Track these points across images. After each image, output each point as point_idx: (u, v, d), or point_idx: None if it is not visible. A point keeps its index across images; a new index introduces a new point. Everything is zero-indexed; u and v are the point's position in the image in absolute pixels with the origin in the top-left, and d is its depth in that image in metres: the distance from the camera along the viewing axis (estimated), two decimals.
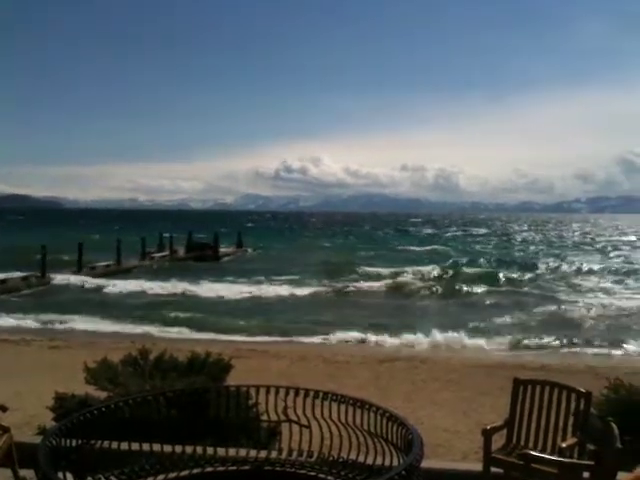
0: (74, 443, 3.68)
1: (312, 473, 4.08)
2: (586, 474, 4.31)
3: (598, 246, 69.53)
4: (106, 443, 3.92)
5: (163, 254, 46.23)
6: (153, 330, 20.13)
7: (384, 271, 37.67)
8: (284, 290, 30.29)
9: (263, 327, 20.87)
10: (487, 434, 5.03)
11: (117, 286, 30.79)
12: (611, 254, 57.44)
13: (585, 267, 42.05)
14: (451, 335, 18.60)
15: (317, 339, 19.11)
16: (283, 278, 34.68)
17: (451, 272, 37.44)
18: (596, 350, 17.73)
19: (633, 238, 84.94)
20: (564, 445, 4.79)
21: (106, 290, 30.20)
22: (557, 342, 18.48)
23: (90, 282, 31.92)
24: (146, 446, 4.14)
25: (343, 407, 4.17)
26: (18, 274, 30.95)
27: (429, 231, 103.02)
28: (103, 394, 6.53)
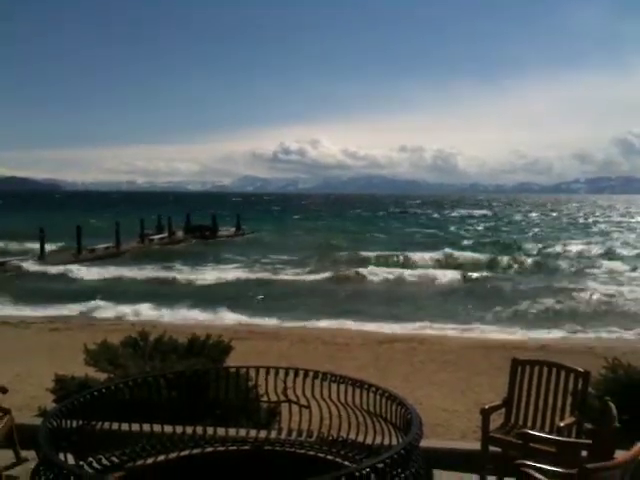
0: (74, 424, 3.70)
1: (312, 453, 4.11)
2: (584, 453, 4.33)
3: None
4: (107, 424, 3.94)
5: (162, 236, 46.16)
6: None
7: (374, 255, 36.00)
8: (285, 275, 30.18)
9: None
10: (485, 413, 5.05)
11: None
12: None
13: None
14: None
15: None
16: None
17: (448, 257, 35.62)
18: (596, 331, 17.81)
19: None
20: (562, 424, 4.81)
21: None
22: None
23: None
24: (146, 427, 4.17)
25: (342, 387, 4.18)
26: None
27: (435, 215, 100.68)
28: (103, 376, 6.55)
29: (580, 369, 5.10)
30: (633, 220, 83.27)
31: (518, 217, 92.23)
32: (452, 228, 66.58)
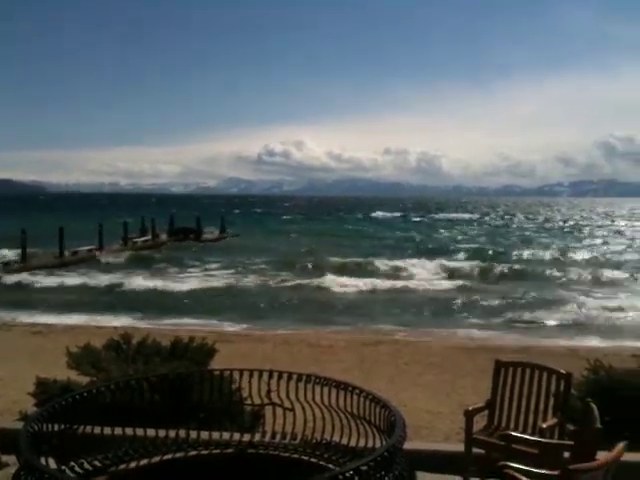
0: (56, 428, 3.66)
1: (295, 455, 4.10)
2: (566, 454, 4.37)
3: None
4: (89, 428, 3.90)
5: (145, 239, 45.92)
6: None
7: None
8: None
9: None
10: (469, 415, 5.08)
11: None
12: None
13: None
14: None
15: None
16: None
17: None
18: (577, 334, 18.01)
19: None
20: (545, 426, 4.85)
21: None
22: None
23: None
24: (129, 430, 4.14)
25: (326, 390, 4.18)
26: None
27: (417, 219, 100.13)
28: (86, 379, 6.50)
29: (562, 371, 5.14)
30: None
31: (500, 222, 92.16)
32: (441, 233, 66.00)
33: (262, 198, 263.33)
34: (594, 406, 4.14)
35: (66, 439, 3.74)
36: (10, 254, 34.57)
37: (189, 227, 51.06)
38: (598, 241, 55.49)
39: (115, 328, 13.66)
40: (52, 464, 3.34)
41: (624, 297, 24.09)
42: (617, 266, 34.68)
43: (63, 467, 3.57)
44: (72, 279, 28.68)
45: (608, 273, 30.91)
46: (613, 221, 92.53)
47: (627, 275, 30.62)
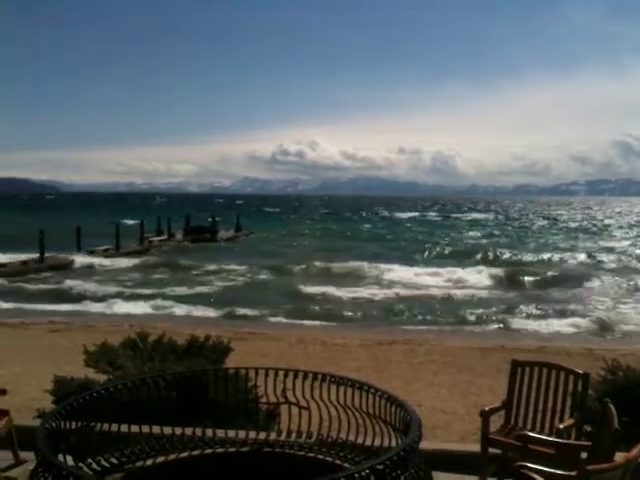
0: (74, 426, 3.70)
1: (311, 454, 4.10)
2: (584, 455, 4.33)
3: None
4: (106, 426, 3.93)
5: (161, 238, 46.18)
6: None
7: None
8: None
9: None
10: (485, 415, 5.05)
11: None
12: None
13: None
14: None
15: None
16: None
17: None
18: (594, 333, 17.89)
19: None
20: (561, 426, 4.81)
21: None
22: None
23: None
24: (146, 428, 4.16)
25: (342, 389, 4.18)
26: None
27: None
28: (103, 377, 6.54)
29: (579, 371, 5.10)
30: None
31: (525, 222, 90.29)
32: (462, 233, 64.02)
33: (277, 197, 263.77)
34: (612, 406, 4.11)
35: (83, 436, 3.78)
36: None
37: (205, 226, 51.25)
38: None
39: (131, 326, 13.74)
40: (70, 461, 3.37)
41: None
42: None
43: (80, 464, 3.60)
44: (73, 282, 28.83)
45: None
46: None
47: None
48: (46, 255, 31.83)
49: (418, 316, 20.55)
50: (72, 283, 25.97)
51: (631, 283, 27.08)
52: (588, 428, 5.34)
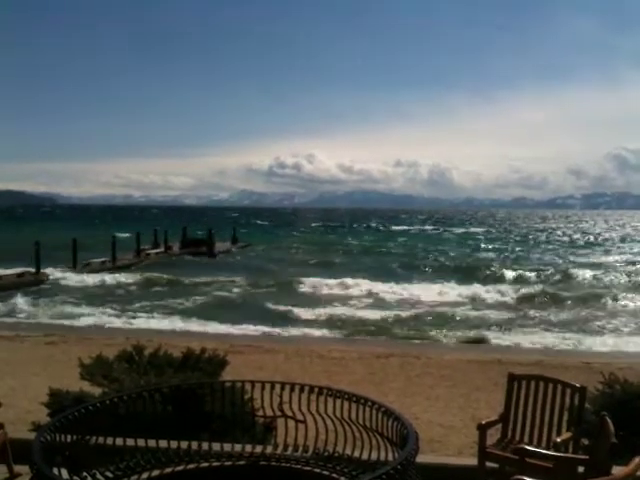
0: (69, 439, 3.68)
1: (307, 468, 4.08)
2: (581, 469, 4.32)
3: None
4: (101, 439, 3.91)
5: (158, 250, 46.15)
6: None
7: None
8: None
9: None
10: (482, 429, 5.04)
11: None
12: None
13: None
14: None
15: None
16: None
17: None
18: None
19: None
20: (559, 440, 4.81)
21: None
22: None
23: None
24: (141, 442, 4.14)
25: (338, 402, 4.17)
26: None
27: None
28: (98, 390, 6.52)
29: (576, 384, 5.10)
30: None
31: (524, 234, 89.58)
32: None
33: (274, 210, 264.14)
34: (609, 420, 4.10)
35: (79, 450, 3.75)
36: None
37: (201, 239, 51.24)
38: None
39: (127, 339, 13.71)
40: (65, 475, 3.34)
41: None
42: None
43: (75, 478, 3.57)
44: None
45: None
46: None
47: None
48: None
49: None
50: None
51: None
52: (585, 442, 5.34)
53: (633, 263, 44.13)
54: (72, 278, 32.26)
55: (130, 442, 4.12)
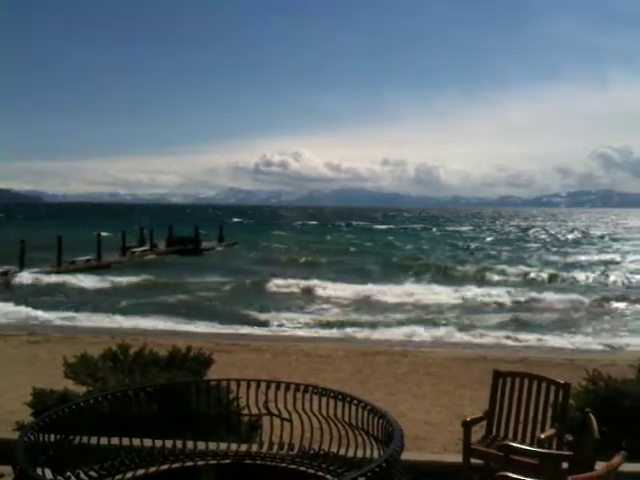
0: (52, 438, 3.65)
1: (293, 466, 4.08)
2: (565, 464, 4.35)
3: None
4: (85, 438, 3.89)
5: (144, 249, 45.96)
6: None
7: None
8: None
9: None
10: (467, 426, 5.06)
11: None
12: None
13: None
14: None
15: None
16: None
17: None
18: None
19: None
20: (543, 436, 4.83)
21: None
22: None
23: None
24: (126, 441, 4.12)
25: (324, 400, 4.17)
26: None
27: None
28: (83, 389, 6.48)
29: (560, 381, 5.13)
30: None
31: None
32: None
33: (259, 208, 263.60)
34: (592, 416, 4.14)
35: (62, 449, 3.72)
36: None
37: (187, 237, 51.08)
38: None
39: (112, 337, 13.63)
40: (48, 474, 3.32)
41: None
42: None
43: (59, 477, 3.55)
44: None
45: None
46: None
47: None
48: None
49: None
50: None
51: None
52: (569, 438, 5.38)
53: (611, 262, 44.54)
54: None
55: (115, 441, 4.10)
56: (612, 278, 34.72)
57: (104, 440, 4.05)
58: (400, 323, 21.36)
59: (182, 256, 45.67)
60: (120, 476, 3.93)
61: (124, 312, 22.60)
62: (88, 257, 37.66)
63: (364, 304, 25.72)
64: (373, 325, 21.00)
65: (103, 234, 40.71)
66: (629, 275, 35.68)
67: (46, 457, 3.49)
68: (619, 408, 6.04)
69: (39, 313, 21.84)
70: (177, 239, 50.40)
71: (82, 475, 3.76)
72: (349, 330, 19.93)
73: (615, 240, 74.54)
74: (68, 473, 3.66)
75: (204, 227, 58.43)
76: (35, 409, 6.30)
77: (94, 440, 3.95)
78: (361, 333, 19.59)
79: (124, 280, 30.95)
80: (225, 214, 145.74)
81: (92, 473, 3.84)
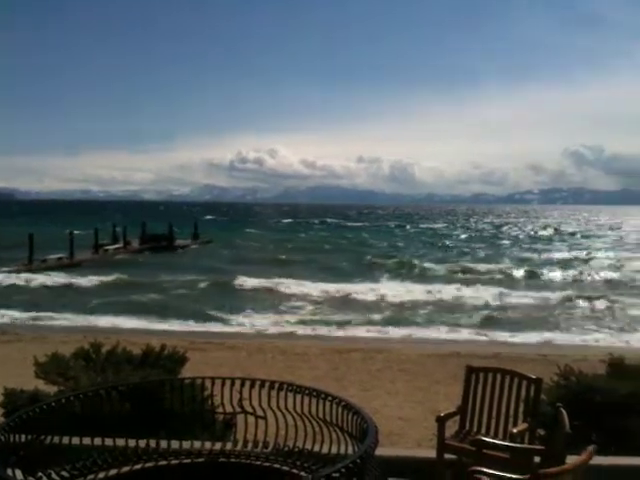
0: (23, 439, 3.60)
1: (267, 464, 4.07)
2: (537, 459, 4.40)
3: None
4: (57, 438, 3.84)
5: (117, 246, 45.54)
6: None
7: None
8: None
9: None
10: (441, 421, 5.09)
11: None
12: None
13: None
14: None
15: None
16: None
17: None
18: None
19: None
20: (515, 431, 4.88)
21: None
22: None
23: None
24: (98, 440, 4.07)
25: (299, 397, 4.16)
26: None
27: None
28: (54, 389, 6.40)
29: (532, 376, 5.18)
30: None
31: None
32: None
33: (235, 205, 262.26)
34: (564, 411, 4.19)
35: (34, 450, 3.68)
36: None
37: (161, 234, 50.71)
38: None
39: (85, 336, 13.49)
40: (19, 475, 3.27)
41: None
42: None
43: (30, 478, 3.50)
44: None
45: None
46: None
47: None
48: None
49: None
50: None
51: None
52: (541, 432, 5.44)
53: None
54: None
55: (87, 441, 4.05)
56: (584, 275, 35.21)
57: (76, 440, 4.01)
58: (374, 320, 21.46)
59: (156, 253, 45.44)
60: (92, 476, 3.88)
61: (96, 311, 22.49)
62: (60, 255, 37.20)
63: (338, 302, 25.75)
64: (347, 323, 21.09)
65: (75, 232, 40.25)
66: (600, 272, 36.24)
67: (17, 457, 3.44)
68: (590, 403, 6.13)
69: (10, 312, 21.60)
70: (150, 236, 50.02)
71: (53, 475, 3.71)
72: (324, 328, 19.99)
73: (587, 237, 75.65)
74: (39, 473, 3.61)
75: (178, 224, 58.01)
76: (6, 409, 6.21)
77: (66, 440, 3.90)
78: (335, 331, 19.65)
79: (96, 278, 30.62)
80: (199, 211, 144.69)
81: (64, 473, 3.79)
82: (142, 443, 4.20)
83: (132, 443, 4.18)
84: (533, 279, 34.11)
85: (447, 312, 23.37)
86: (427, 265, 39.17)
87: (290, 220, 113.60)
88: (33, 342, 14.87)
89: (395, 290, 28.10)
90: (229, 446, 4.29)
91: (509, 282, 32.31)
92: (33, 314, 21.49)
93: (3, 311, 21.81)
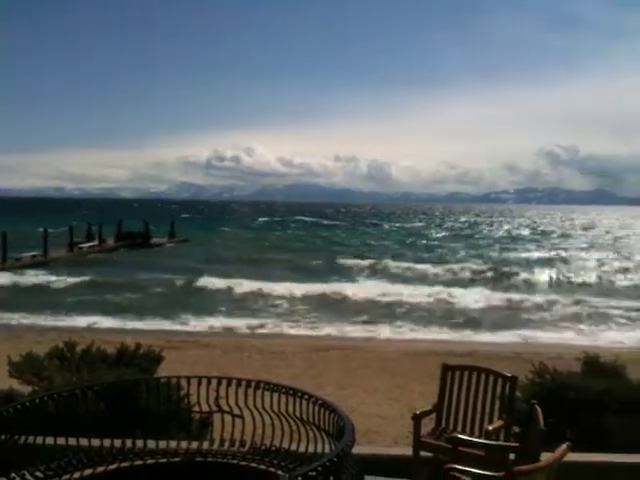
0: None
1: (244, 463, 4.06)
2: (512, 456, 4.44)
3: None
4: (31, 438, 3.79)
5: (91, 244, 45.06)
6: None
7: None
8: None
9: None
10: (417, 419, 5.11)
11: None
12: None
13: None
14: None
15: None
16: None
17: None
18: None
19: None
20: (490, 428, 4.92)
21: None
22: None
23: None
24: (73, 441, 4.03)
25: (275, 396, 4.16)
26: None
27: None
28: (28, 388, 6.32)
29: (508, 374, 5.22)
30: None
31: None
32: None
33: (212, 203, 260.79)
34: (538, 408, 4.23)
35: (7, 450, 3.63)
36: None
37: (137, 232, 50.30)
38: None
39: (59, 335, 13.34)
40: None
41: None
42: None
43: (3, 478, 3.46)
44: None
45: None
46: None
47: None
48: None
49: None
50: None
51: None
52: (516, 429, 5.49)
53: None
54: None
55: (61, 441, 4.01)
56: (559, 275, 35.59)
57: (50, 440, 3.97)
58: (351, 319, 21.51)
59: (131, 250, 45.05)
60: (67, 476, 3.85)
61: (71, 309, 22.21)
62: (34, 253, 36.72)
63: (313, 301, 25.74)
64: (323, 321, 21.11)
65: (50, 230, 39.71)
66: (575, 272, 36.67)
67: None
68: (564, 400, 6.21)
69: None
70: (126, 234, 49.60)
71: (27, 475, 3.67)
72: (300, 327, 20.01)
73: (563, 236, 76.50)
74: (13, 474, 3.57)
75: (155, 222, 57.55)
76: None
77: (40, 440, 3.86)
78: (312, 330, 19.67)
79: (70, 277, 30.27)
80: (176, 209, 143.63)
81: (38, 474, 3.75)
82: (118, 443, 4.17)
83: (107, 443, 4.15)
84: (509, 278, 34.36)
85: (423, 311, 23.49)
86: (403, 264, 39.27)
87: (266, 219, 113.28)
88: (7, 341, 14.64)
89: (371, 289, 28.12)
90: (206, 445, 4.28)
91: (485, 281, 32.54)
92: (6, 314, 21.17)
93: None
